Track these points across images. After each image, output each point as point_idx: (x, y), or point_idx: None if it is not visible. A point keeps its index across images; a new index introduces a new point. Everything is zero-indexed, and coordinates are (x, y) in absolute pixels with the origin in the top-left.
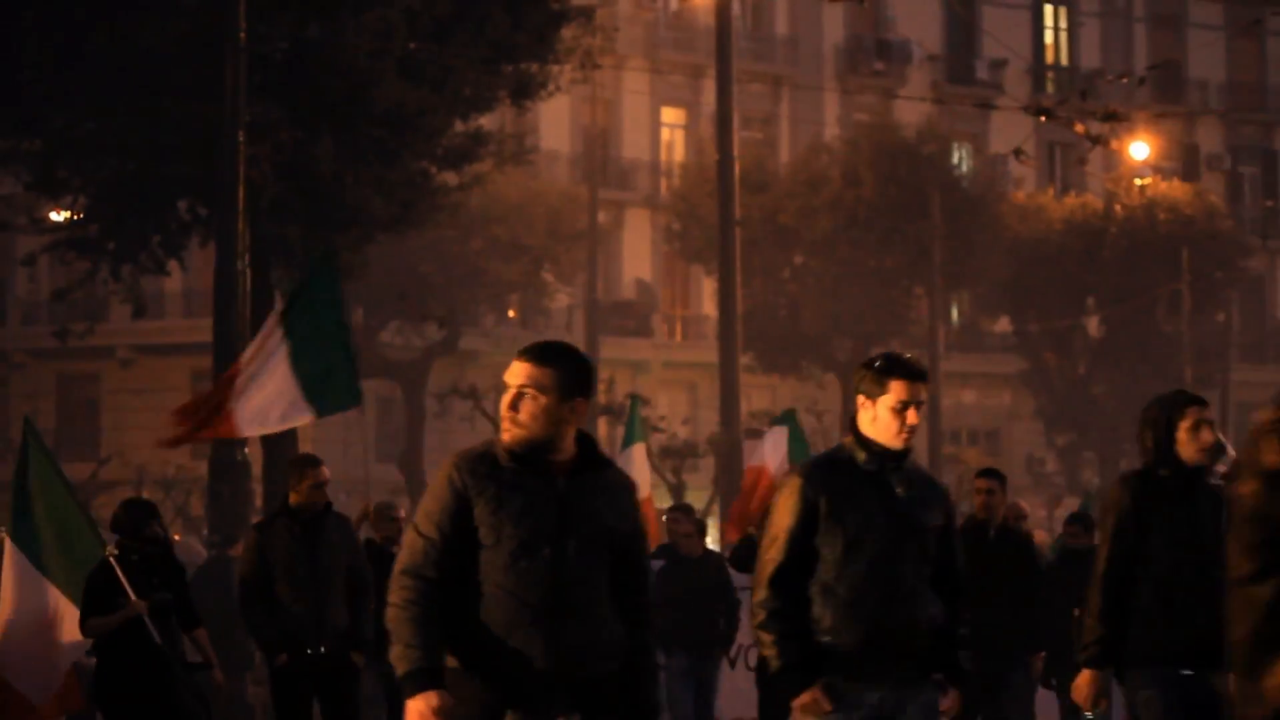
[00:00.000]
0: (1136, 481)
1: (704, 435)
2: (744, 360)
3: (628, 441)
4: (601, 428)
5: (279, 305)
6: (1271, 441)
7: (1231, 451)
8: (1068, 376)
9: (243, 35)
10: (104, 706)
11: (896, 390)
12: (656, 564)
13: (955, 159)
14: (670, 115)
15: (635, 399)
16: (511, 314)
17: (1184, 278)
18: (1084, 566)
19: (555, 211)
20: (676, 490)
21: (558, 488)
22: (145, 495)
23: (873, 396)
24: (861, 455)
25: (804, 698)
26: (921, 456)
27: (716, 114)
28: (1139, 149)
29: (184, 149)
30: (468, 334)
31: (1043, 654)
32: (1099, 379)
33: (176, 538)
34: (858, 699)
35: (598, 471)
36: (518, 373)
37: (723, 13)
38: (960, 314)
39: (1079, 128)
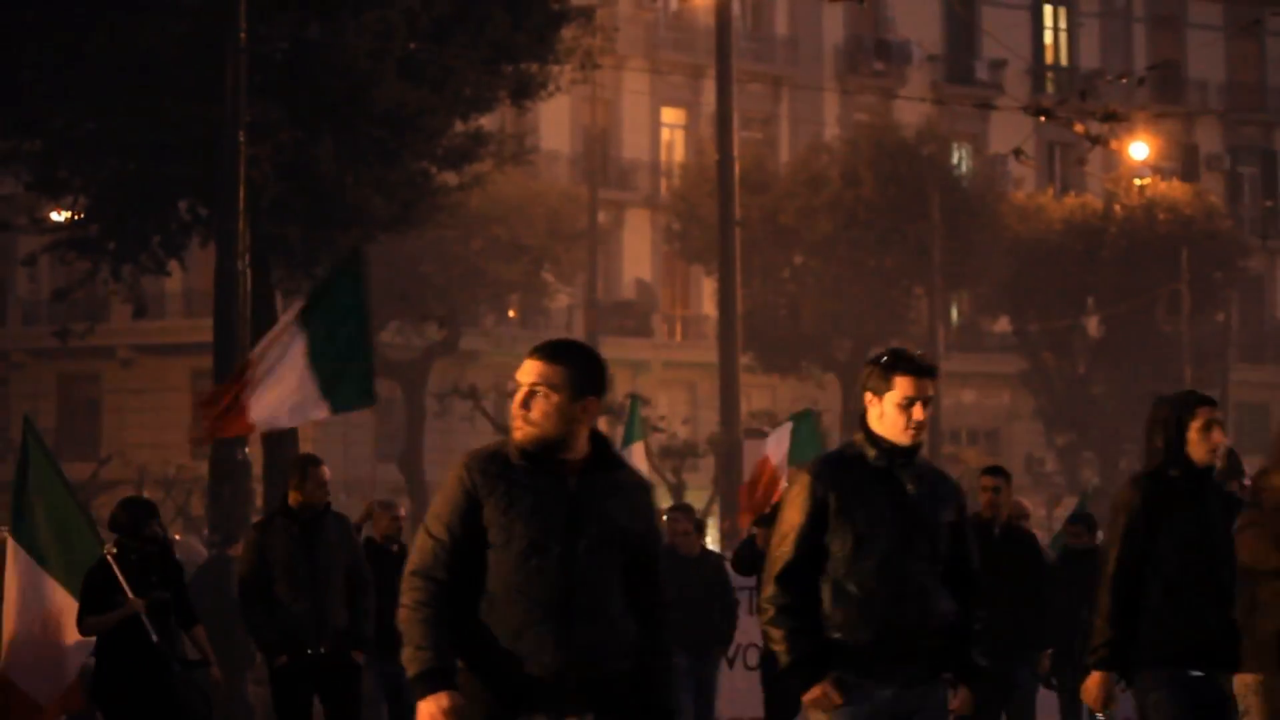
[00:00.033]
0: (1147, 482)
1: (704, 435)
2: (744, 360)
3: (627, 441)
4: (602, 427)
5: (299, 302)
6: None
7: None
8: (1067, 376)
9: (243, 36)
10: (102, 705)
11: (902, 386)
12: None
13: (955, 159)
14: (670, 115)
15: (635, 399)
16: (511, 314)
17: (1183, 278)
18: (1086, 567)
19: (555, 211)
20: (676, 490)
21: (569, 487)
22: (146, 495)
23: (879, 393)
24: (871, 452)
25: (814, 692)
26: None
27: (716, 114)
28: (1138, 149)
29: (184, 149)
30: (468, 334)
31: (1049, 651)
32: (1099, 379)
33: (177, 537)
34: (868, 694)
35: (610, 471)
36: (529, 371)
37: (723, 13)
38: (960, 314)
39: (1078, 128)
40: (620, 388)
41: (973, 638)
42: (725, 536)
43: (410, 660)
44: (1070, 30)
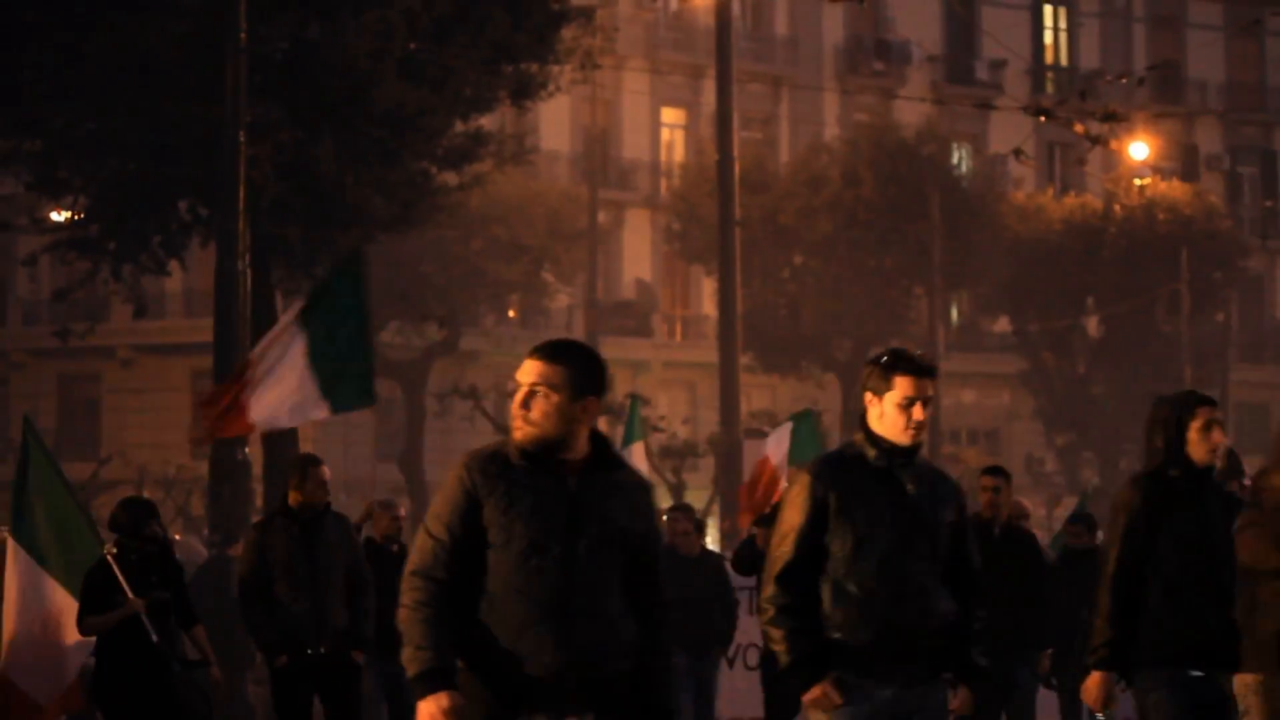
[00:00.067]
0: (1148, 482)
1: (704, 435)
2: (744, 360)
3: (627, 440)
4: (602, 427)
5: (299, 302)
6: None
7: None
8: (1067, 376)
9: (243, 36)
10: (102, 705)
11: (902, 386)
12: None
13: (955, 159)
14: (670, 115)
15: (635, 399)
16: (511, 314)
17: (1183, 278)
18: (1086, 567)
19: (555, 211)
20: (676, 490)
21: (569, 487)
22: (146, 495)
23: (879, 393)
24: (871, 452)
25: (814, 692)
26: None
27: (716, 114)
28: (1138, 149)
29: (184, 149)
30: (468, 334)
31: (1049, 650)
32: (1098, 379)
33: (177, 537)
34: (868, 694)
35: (610, 471)
36: (529, 370)
37: (723, 13)
38: (960, 314)
39: (1078, 128)
40: (620, 388)
41: (973, 638)
42: (725, 536)
43: (410, 660)
44: (1070, 30)
